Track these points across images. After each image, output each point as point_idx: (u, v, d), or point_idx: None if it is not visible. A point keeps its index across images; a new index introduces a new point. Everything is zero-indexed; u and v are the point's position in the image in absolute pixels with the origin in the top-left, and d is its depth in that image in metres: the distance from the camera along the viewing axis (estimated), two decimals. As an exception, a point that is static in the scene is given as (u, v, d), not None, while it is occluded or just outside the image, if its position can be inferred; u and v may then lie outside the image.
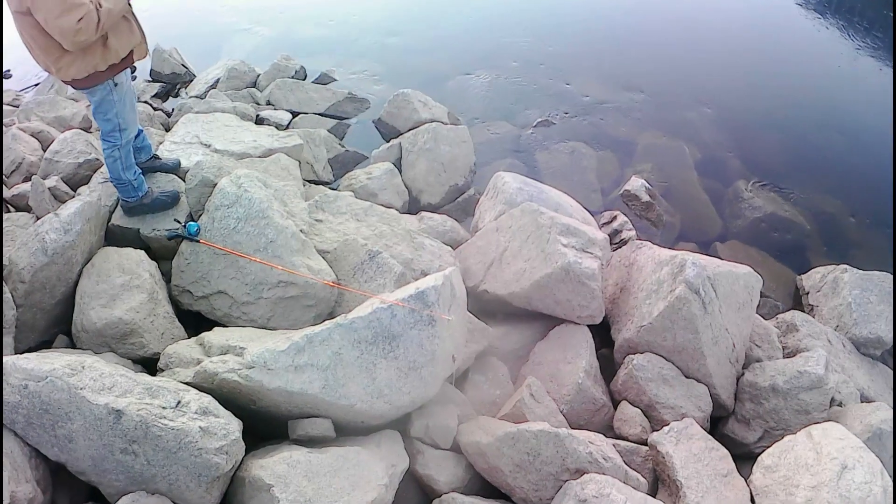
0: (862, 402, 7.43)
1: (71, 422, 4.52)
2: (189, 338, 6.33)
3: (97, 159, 7.90)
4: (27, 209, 7.31)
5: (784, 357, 7.68)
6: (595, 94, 13.38)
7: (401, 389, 5.39)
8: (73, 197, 7.34)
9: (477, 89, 13.33)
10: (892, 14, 17.98)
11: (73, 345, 6.14)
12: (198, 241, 6.59)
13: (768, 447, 6.33)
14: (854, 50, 16.93)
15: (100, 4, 5.43)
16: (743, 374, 7.21)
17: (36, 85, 12.11)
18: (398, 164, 10.22)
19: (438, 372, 5.64)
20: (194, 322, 6.69)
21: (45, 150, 8.26)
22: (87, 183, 7.68)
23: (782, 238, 10.48)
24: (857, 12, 18.74)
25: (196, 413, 4.72)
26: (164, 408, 4.66)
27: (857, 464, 5.60)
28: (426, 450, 5.71)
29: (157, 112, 10.86)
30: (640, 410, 6.74)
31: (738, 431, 6.96)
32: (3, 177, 7.73)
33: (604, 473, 5.45)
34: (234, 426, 4.82)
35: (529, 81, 13.72)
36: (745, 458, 6.67)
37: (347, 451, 5.00)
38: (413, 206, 9.78)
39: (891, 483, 5.58)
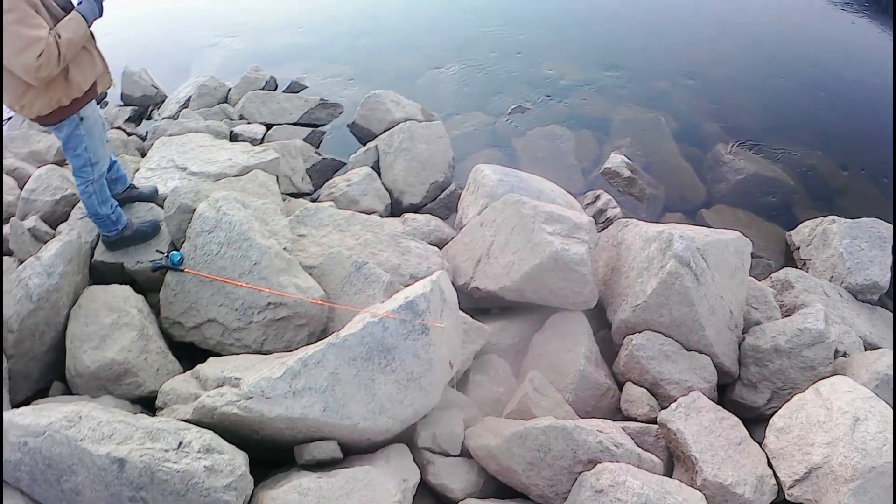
0: (865, 349, 7.47)
1: (75, 475, 4.46)
2: (184, 370, 6.27)
3: (74, 195, 7.78)
4: (9, 253, 7.20)
5: (782, 315, 7.71)
6: (566, 75, 13.35)
7: (402, 402, 5.33)
8: (54, 236, 7.26)
9: (448, 83, 13.27)
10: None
11: (69, 390, 6.07)
12: (182, 271, 6.50)
13: (778, 408, 6.35)
14: (828, 3, 16.98)
15: (59, 35, 5.35)
16: (744, 338, 7.20)
17: (8, 119, 11.94)
18: (376, 167, 10.14)
19: (438, 379, 5.57)
20: (188, 353, 6.59)
21: (21, 189, 8.13)
22: (66, 220, 7.59)
23: (767, 196, 10.49)
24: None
25: (199, 452, 4.66)
26: (166, 450, 4.60)
27: (868, 414, 5.62)
28: (436, 459, 5.66)
29: (131, 137, 10.70)
30: (645, 390, 6.72)
31: (746, 396, 6.97)
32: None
33: (617, 461, 5.43)
34: (240, 460, 4.76)
35: (500, 70, 13.68)
36: (756, 421, 6.71)
37: (357, 471, 4.95)
38: (395, 208, 9.70)
39: (905, 430, 5.59)
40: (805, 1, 17.15)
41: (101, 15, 5.80)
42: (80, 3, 5.66)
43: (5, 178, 8.34)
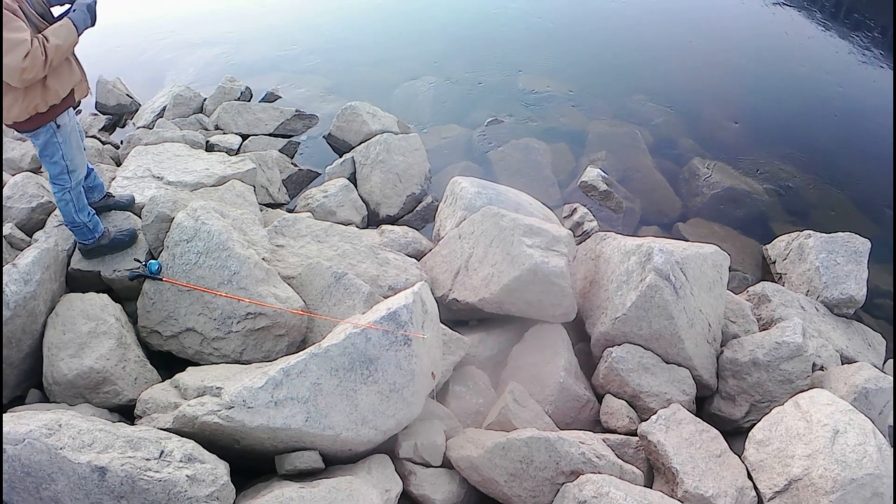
0: (842, 362, 7.57)
1: (55, 483, 4.39)
2: (162, 380, 6.23)
3: (50, 202, 7.69)
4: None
5: (760, 329, 7.77)
6: (542, 89, 13.38)
7: (385, 413, 5.31)
8: (30, 243, 7.17)
9: (425, 95, 13.26)
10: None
11: (45, 398, 6.00)
12: (160, 280, 6.45)
13: (756, 421, 6.39)
14: (799, 19, 17.18)
15: (47, 40, 5.33)
16: (722, 351, 7.24)
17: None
18: (353, 179, 10.13)
19: (420, 390, 5.56)
20: (166, 362, 6.54)
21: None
22: (42, 227, 7.50)
23: (743, 210, 10.56)
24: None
25: (181, 461, 4.62)
26: (147, 459, 4.56)
27: (848, 427, 5.67)
28: (418, 469, 5.64)
29: (105, 146, 10.64)
30: (625, 402, 6.75)
31: (724, 409, 7.00)
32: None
33: (599, 472, 5.44)
34: (222, 470, 4.72)
35: (476, 83, 13.69)
36: (734, 433, 6.77)
37: (339, 482, 4.91)
38: (372, 220, 9.71)
39: (884, 440, 5.66)
40: (782, 18, 17.28)
41: (93, 24, 5.78)
42: (72, 12, 5.63)
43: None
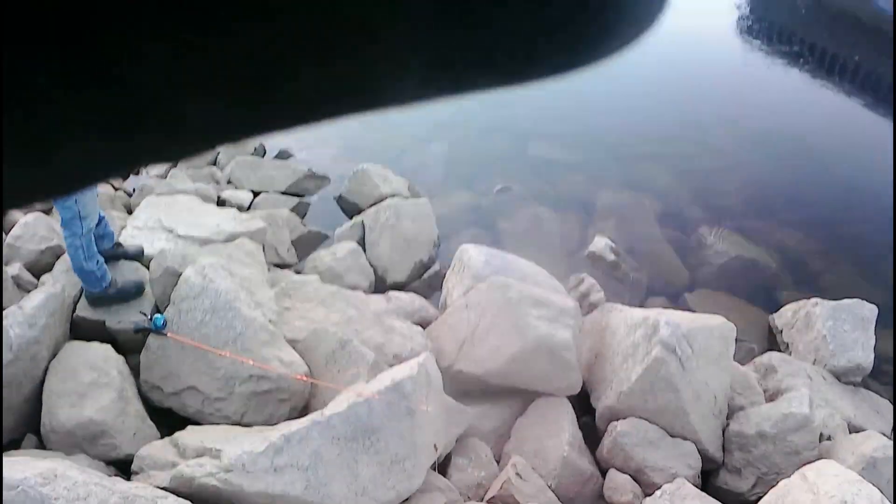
0: (850, 432, 7.50)
1: (47, 535, 4.37)
2: (161, 436, 6.19)
3: (59, 245, 7.67)
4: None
5: (766, 400, 7.70)
6: (551, 157, 13.41)
7: (385, 484, 5.28)
8: (37, 286, 7.19)
9: (435, 159, 13.31)
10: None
11: (42, 445, 5.97)
12: (165, 335, 6.43)
13: (763, 493, 6.31)
14: (801, 82, 17.29)
15: None
16: (728, 424, 7.19)
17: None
18: (362, 243, 10.15)
19: (422, 462, 5.54)
20: (166, 419, 6.50)
21: (5, 234, 8.04)
22: (50, 270, 7.50)
23: (750, 279, 10.57)
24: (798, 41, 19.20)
25: (177, 523, 4.61)
26: (142, 519, 4.54)
27: (856, 497, 5.56)
28: (417, 544, 5.59)
29: (118, 192, 10.68)
30: (629, 477, 6.67)
31: (730, 482, 6.95)
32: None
33: (601, 548, 5.39)
34: (218, 535, 4.70)
35: (486, 148, 13.75)
36: (741, 508, 6.64)
37: (336, 552, 4.89)
38: (379, 285, 9.68)
39: (894, 511, 5.58)
40: (788, 83, 17.41)
41: None
42: None
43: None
